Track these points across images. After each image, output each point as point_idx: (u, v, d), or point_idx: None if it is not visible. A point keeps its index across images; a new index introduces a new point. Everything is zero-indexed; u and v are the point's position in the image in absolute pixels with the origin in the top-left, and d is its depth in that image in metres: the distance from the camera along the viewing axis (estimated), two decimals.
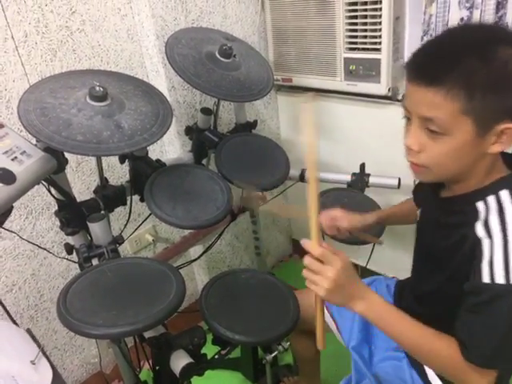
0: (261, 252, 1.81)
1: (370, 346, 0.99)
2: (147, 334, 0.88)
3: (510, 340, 0.68)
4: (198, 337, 0.87)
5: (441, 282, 0.82)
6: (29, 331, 0.76)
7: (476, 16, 1.17)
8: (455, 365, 0.70)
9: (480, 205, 0.72)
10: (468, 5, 1.19)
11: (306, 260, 0.73)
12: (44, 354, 0.70)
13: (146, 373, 1.51)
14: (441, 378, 0.85)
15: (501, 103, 0.64)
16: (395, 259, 1.74)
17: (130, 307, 0.77)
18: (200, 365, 0.85)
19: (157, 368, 0.97)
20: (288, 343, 1.40)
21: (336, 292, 0.72)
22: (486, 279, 0.67)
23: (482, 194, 0.72)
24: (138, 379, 1.31)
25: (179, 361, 0.82)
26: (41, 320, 1.47)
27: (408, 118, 0.73)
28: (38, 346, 0.72)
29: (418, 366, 0.89)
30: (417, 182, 1.08)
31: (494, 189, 0.72)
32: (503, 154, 0.76)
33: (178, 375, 0.82)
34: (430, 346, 0.73)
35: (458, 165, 0.71)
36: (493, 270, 0.66)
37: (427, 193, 0.88)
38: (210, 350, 1.65)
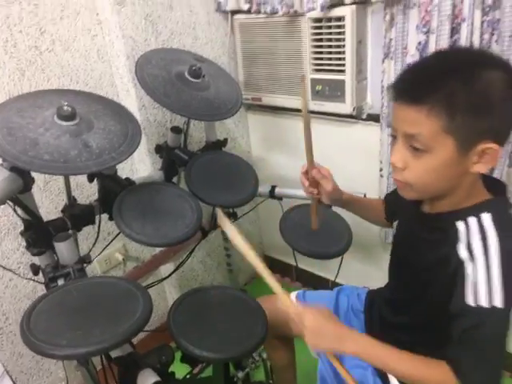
0: (233, 269, 1.81)
1: (341, 356, 1.01)
2: (114, 354, 0.87)
3: (498, 360, 0.71)
4: (166, 355, 0.87)
5: (417, 293, 0.85)
6: None
7: (432, 40, 1.24)
8: None
9: (460, 225, 0.74)
10: (425, 29, 1.26)
11: (294, 323, 0.81)
12: (8, 374, 0.69)
13: None
14: None
15: (481, 124, 0.67)
16: (363, 272, 1.79)
17: (96, 326, 0.76)
18: (167, 383, 0.85)
19: None
20: (259, 358, 1.41)
21: (319, 339, 0.77)
22: (470, 301, 0.69)
23: (463, 215, 0.75)
24: None
25: (146, 380, 0.82)
26: (6, 343, 1.42)
27: (394, 137, 0.76)
28: (2, 365, 0.70)
29: (381, 374, 0.91)
30: (388, 193, 1.12)
31: (475, 210, 0.74)
32: (484, 178, 0.79)
33: None
34: (426, 373, 0.74)
35: (440, 183, 0.74)
36: (476, 292, 0.69)
37: (407, 206, 0.90)
38: (181, 370, 1.64)
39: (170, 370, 0.89)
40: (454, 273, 0.73)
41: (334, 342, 0.77)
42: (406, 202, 0.90)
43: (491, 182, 0.81)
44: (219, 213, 0.87)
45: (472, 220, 0.74)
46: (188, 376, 1.65)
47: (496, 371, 0.72)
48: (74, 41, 1.36)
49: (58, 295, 0.84)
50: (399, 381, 0.88)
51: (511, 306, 0.69)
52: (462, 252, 0.72)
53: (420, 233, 0.85)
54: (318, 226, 1.09)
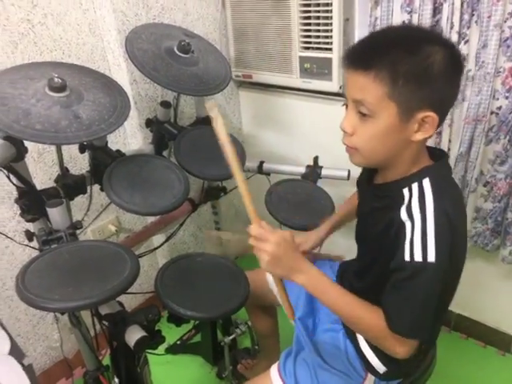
0: (222, 242, 1.87)
1: (314, 318, 1.08)
2: (104, 312, 0.93)
3: (428, 312, 0.77)
4: (153, 314, 0.93)
5: (373, 260, 0.91)
6: None
7: (415, 19, 1.27)
8: (381, 333, 0.79)
9: (405, 191, 0.80)
10: (408, 9, 1.29)
11: (250, 240, 0.81)
12: (3, 327, 0.75)
13: (108, 359, 1.56)
14: (371, 346, 0.95)
15: (421, 93, 0.73)
16: (346, 246, 1.85)
17: (86, 284, 0.82)
18: (154, 339, 0.91)
19: (114, 345, 1.02)
20: (246, 326, 1.49)
21: (275, 264, 0.80)
22: (407, 257, 0.75)
23: (407, 182, 0.81)
24: (100, 363, 1.36)
25: (134, 335, 0.88)
26: (3, 308, 1.49)
27: (346, 105, 0.81)
28: None
29: (351, 336, 0.98)
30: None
31: (418, 177, 0.80)
32: (428, 148, 0.85)
33: (132, 348, 0.88)
34: (361, 315, 0.82)
35: (385, 149, 0.79)
36: (412, 249, 0.75)
37: (364, 181, 0.97)
38: (171, 337, 1.72)
39: (157, 327, 0.96)
40: (396, 234, 0.78)
41: (288, 270, 0.82)
42: (363, 178, 0.97)
43: (433, 151, 0.87)
44: (210, 105, 0.80)
45: (414, 185, 0.80)
46: (178, 342, 1.73)
47: (423, 319, 0.77)
48: (65, 15, 1.38)
49: (50, 256, 0.90)
50: (368, 343, 0.95)
51: (443, 261, 0.74)
52: (403, 214, 0.78)
53: (372, 203, 0.91)
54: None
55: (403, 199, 0.80)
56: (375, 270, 0.91)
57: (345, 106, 0.82)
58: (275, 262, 0.80)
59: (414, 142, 0.78)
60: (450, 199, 0.79)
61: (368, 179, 0.94)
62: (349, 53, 0.78)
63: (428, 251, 0.74)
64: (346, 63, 0.77)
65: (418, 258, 0.74)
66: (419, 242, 0.74)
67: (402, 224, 0.77)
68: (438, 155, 0.86)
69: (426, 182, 0.79)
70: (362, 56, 0.76)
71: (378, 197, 0.90)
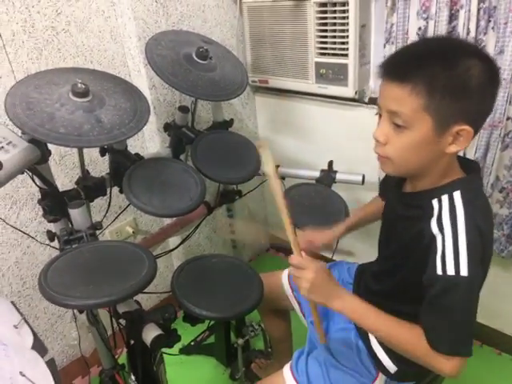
0: (237, 245, 1.90)
1: (329, 321, 1.09)
2: (122, 310, 0.96)
3: (466, 326, 0.77)
4: (169, 313, 0.95)
5: (397, 265, 0.92)
6: (13, 303, 0.84)
7: (431, 26, 1.28)
8: (423, 352, 0.78)
9: (435, 202, 0.81)
10: (425, 16, 1.30)
11: (290, 269, 0.86)
12: (26, 321, 0.78)
13: (123, 358, 1.59)
14: (382, 345, 0.95)
15: (457, 105, 0.73)
16: (360, 250, 1.85)
17: (106, 283, 0.85)
18: (170, 338, 0.93)
19: (131, 343, 1.05)
20: (259, 328, 1.50)
21: (314, 291, 0.83)
22: (439, 271, 0.75)
23: (438, 193, 0.81)
24: (116, 362, 1.39)
25: (150, 333, 0.91)
26: (23, 306, 1.53)
27: (380, 115, 0.82)
28: (21, 315, 0.79)
29: (363, 336, 0.99)
30: (382, 178, 1.19)
31: (448, 189, 0.81)
32: (460, 159, 0.86)
33: (149, 346, 0.90)
34: (400, 336, 0.81)
35: (417, 160, 0.80)
36: (444, 262, 0.75)
37: (392, 187, 0.97)
38: (185, 338, 1.74)
39: (172, 327, 0.98)
40: (427, 247, 0.79)
41: (326, 297, 0.84)
42: (391, 184, 0.97)
43: (466, 163, 0.87)
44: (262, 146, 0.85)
45: (445, 197, 0.80)
46: (192, 343, 1.76)
47: (463, 335, 0.77)
48: (88, 22, 1.43)
49: (71, 255, 0.93)
50: (379, 342, 0.96)
51: (476, 274, 0.74)
52: (434, 227, 0.78)
53: (400, 211, 0.91)
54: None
55: (433, 211, 0.80)
56: (397, 276, 0.92)
57: (378, 115, 0.83)
58: (314, 289, 0.83)
59: (447, 153, 0.79)
60: (480, 212, 0.79)
61: (396, 186, 0.94)
62: (385, 63, 0.80)
63: (460, 265, 0.74)
64: (382, 74, 0.79)
65: (451, 271, 0.74)
66: (451, 255, 0.75)
67: (433, 237, 0.78)
68: (471, 167, 0.86)
69: (457, 195, 0.79)
70: (398, 68, 0.76)
71: (406, 205, 0.90)
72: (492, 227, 0.85)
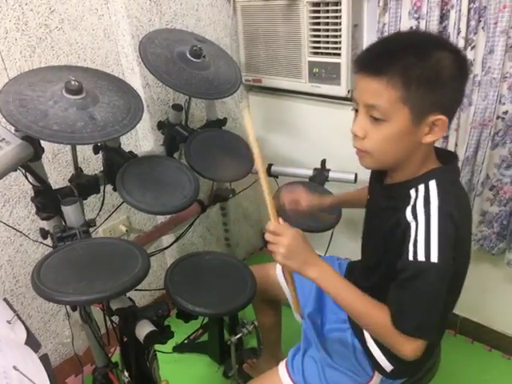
0: (231, 243, 1.90)
1: (322, 315, 1.10)
2: (115, 307, 0.96)
3: (433, 312, 0.78)
4: (162, 309, 0.95)
5: (379, 259, 0.93)
6: (5, 300, 0.84)
7: (422, 26, 1.29)
8: (387, 331, 0.80)
9: (412, 192, 0.83)
10: (416, 15, 1.31)
11: (266, 235, 0.85)
12: (19, 317, 0.78)
13: (117, 356, 1.59)
14: (378, 344, 0.96)
15: (432, 96, 0.76)
16: (352, 247, 1.87)
17: (99, 279, 0.85)
18: (163, 334, 0.94)
19: (124, 340, 1.05)
20: (252, 325, 1.51)
21: (290, 257, 0.83)
22: (410, 257, 0.77)
23: (415, 183, 0.83)
24: (109, 360, 1.39)
25: (144, 329, 0.91)
26: (16, 305, 1.53)
27: (356, 110, 0.83)
28: (14, 311, 0.79)
29: (359, 335, 1.00)
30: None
31: (425, 179, 0.83)
32: (437, 150, 0.88)
33: (142, 342, 0.90)
34: (369, 312, 0.83)
35: (396, 151, 0.82)
36: (416, 249, 0.77)
37: (374, 181, 0.99)
38: (179, 336, 1.75)
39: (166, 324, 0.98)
40: (402, 235, 0.80)
41: (301, 263, 0.84)
42: (373, 178, 0.99)
43: (443, 153, 0.89)
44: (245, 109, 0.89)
45: (421, 187, 0.82)
46: (185, 341, 1.76)
47: (427, 319, 0.78)
48: (81, 20, 1.43)
49: (65, 252, 0.93)
50: (375, 341, 0.97)
51: (446, 262, 0.76)
52: (408, 215, 0.80)
53: (381, 203, 0.93)
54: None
55: (410, 200, 0.82)
56: (381, 270, 0.93)
57: (354, 111, 0.84)
58: (290, 254, 0.83)
59: (423, 144, 0.81)
60: (455, 201, 0.80)
61: (377, 179, 0.96)
62: (360, 58, 0.81)
63: (431, 251, 0.75)
64: (358, 68, 0.80)
65: (421, 257, 0.76)
66: (422, 242, 0.76)
67: (408, 225, 0.79)
68: (448, 157, 0.88)
69: (433, 184, 0.81)
70: (374, 62, 0.78)
71: (386, 197, 0.92)
72: (468, 216, 0.87)
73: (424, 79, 0.74)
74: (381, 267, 0.93)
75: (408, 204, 0.82)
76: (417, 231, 0.78)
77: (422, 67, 0.74)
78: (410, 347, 0.79)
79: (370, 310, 0.83)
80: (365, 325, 0.87)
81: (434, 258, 0.75)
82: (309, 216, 1.24)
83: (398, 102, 0.76)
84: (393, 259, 0.84)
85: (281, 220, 0.86)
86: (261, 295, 1.24)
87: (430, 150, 0.85)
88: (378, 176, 0.97)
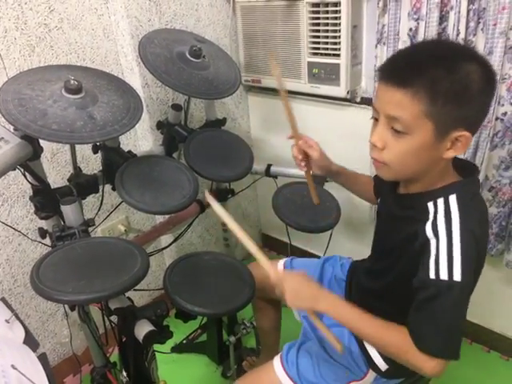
0: (229, 244, 1.90)
1: (322, 315, 1.10)
2: (114, 306, 0.96)
3: (456, 331, 0.77)
4: (161, 309, 0.95)
5: (389, 264, 0.93)
6: (3, 299, 0.84)
7: (422, 27, 1.29)
8: (409, 354, 0.78)
9: (430, 205, 0.81)
10: (416, 17, 1.31)
11: (276, 287, 0.90)
12: (17, 317, 0.78)
13: (115, 356, 1.59)
14: None
15: (458, 111, 0.73)
16: (352, 249, 1.87)
17: (98, 278, 0.85)
18: (162, 333, 0.94)
19: (122, 340, 1.05)
20: (251, 326, 1.51)
21: (298, 298, 0.86)
22: (432, 275, 0.76)
23: (433, 196, 0.81)
24: (108, 359, 1.39)
25: (143, 329, 0.90)
26: (14, 304, 1.53)
27: (375, 119, 0.81)
28: (12, 311, 0.79)
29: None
30: (374, 176, 1.20)
31: (444, 192, 0.81)
32: (455, 162, 0.86)
33: (141, 342, 0.90)
34: (386, 337, 0.82)
35: (416, 165, 0.80)
36: (438, 267, 0.75)
37: (386, 187, 0.97)
38: (177, 336, 1.74)
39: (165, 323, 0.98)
40: (421, 249, 0.79)
41: (310, 301, 0.86)
42: (385, 183, 0.96)
43: (462, 165, 0.87)
44: (206, 193, 0.99)
45: (440, 201, 0.80)
46: (184, 341, 1.76)
47: (450, 338, 0.77)
48: (81, 19, 1.43)
49: (64, 251, 0.93)
50: None
51: (469, 280, 0.75)
52: (428, 230, 0.79)
53: (395, 211, 0.92)
54: (318, 200, 1.13)
55: (428, 214, 0.80)
56: (388, 276, 0.93)
57: (373, 119, 0.82)
58: (296, 294, 0.85)
59: (444, 159, 0.79)
60: (476, 217, 0.79)
61: (391, 187, 0.95)
62: (385, 67, 0.79)
63: (454, 270, 0.74)
64: (382, 77, 0.78)
65: (444, 276, 0.74)
66: (445, 260, 0.75)
67: (427, 240, 0.78)
68: (468, 169, 0.86)
69: (453, 199, 0.79)
70: (399, 72, 0.75)
71: (400, 206, 0.91)
72: (487, 232, 0.86)
73: (452, 94, 0.71)
74: (390, 273, 0.93)
75: (427, 218, 0.80)
76: (438, 249, 0.76)
77: (450, 81, 0.71)
78: (433, 366, 0.77)
79: (386, 334, 0.82)
80: (384, 350, 0.86)
81: (458, 277, 0.74)
82: (310, 182, 1.20)
83: (422, 116, 0.73)
84: (404, 267, 0.84)
85: (280, 265, 0.93)
86: (260, 294, 1.24)
87: (448, 163, 0.83)
88: (391, 183, 0.94)
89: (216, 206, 0.95)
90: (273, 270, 0.90)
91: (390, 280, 0.93)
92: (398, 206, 0.91)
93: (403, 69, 0.75)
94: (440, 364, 0.77)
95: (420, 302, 0.78)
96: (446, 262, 0.75)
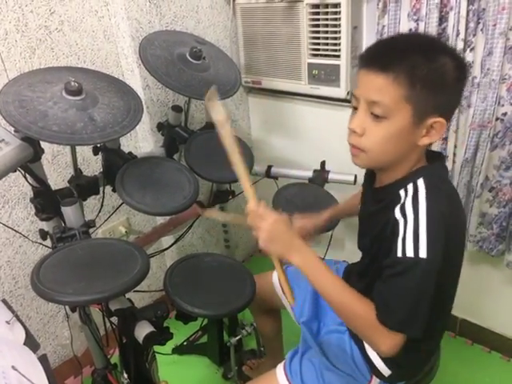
0: (230, 245, 1.90)
1: (319, 321, 1.10)
2: (114, 307, 0.96)
3: (420, 308, 0.77)
4: (162, 310, 0.95)
5: (372, 260, 0.93)
6: (4, 301, 0.84)
7: (421, 28, 1.29)
8: (368, 324, 0.79)
9: (402, 192, 0.82)
10: (415, 17, 1.31)
11: (248, 218, 0.84)
12: (18, 318, 0.78)
13: (116, 358, 1.59)
14: None
15: (435, 98, 0.76)
16: (351, 248, 1.87)
17: (98, 279, 0.85)
18: (162, 335, 0.94)
19: (123, 341, 1.05)
20: (252, 327, 1.51)
21: (272, 241, 0.82)
22: (399, 253, 0.76)
23: (404, 183, 0.83)
24: (108, 361, 1.39)
25: (143, 330, 0.91)
26: (15, 306, 1.53)
27: (354, 108, 0.83)
28: (13, 312, 0.79)
29: (357, 338, 0.99)
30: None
31: (413, 178, 0.82)
32: (428, 151, 0.87)
33: (141, 343, 0.90)
34: (350, 302, 0.82)
35: (392, 151, 0.81)
36: (404, 245, 0.76)
37: (366, 186, 0.99)
38: (178, 338, 1.74)
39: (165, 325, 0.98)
40: (391, 233, 0.80)
41: (284, 248, 0.83)
42: (366, 184, 0.99)
43: (431, 154, 0.89)
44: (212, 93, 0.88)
45: (410, 186, 0.81)
46: (185, 343, 1.76)
47: (413, 314, 0.77)
48: (81, 21, 1.43)
49: (64, 252, 0.93)
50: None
51: (435, 257, 0.75)
52: (397, 212, 0.80)
53: (371, 206, 0.93)
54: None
55: (400, 200, 0.81)
56: (374, 270, 0.92)
57: (353, 109, 0.84)
58: (272, 238, 0.82)
59: (418, 146, 0.81)
60: (444, 198, 0.80)
61: (368, 183, 0.97)
62: (367, 54, 0.81)
63: (420, 247, 0.75)
64: (364, 63, 0.80)
65: (410, 253, 0.75)
66: (411, 238, 0.76)
67: (396, 222, 0.79)
68: (435, 157, 0.88)
69: (420, 182, 0.81)
70: (381, 57, 0.78)
71: (376, 200, 0.92)
72: (458, 212, 0.86)
73: (429, 80, 0.75)
74: (374, 268, 0.92)
75: (398, 203, 0.81)
76: (405, 228, 0.77)
77: (428, 68, 0.75)
78: (389, 342, 0.78)
79: (352, 301, 0.82)
80: (345, 317, 0.85)
81: (423, 254, 0.74)
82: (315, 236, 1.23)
83: (401, 100, 0.76)
84: (381, 259, 0.83)
85: (262, 202, 0.84)
86: (260, 305, 1.25)
87: (422, 152, 0.85)
88: (369, 180, 0.97)
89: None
90: (254, 201, 0.84)
91: (374, 275, 0.92)
92: (373, 201, 0.92)
93: (385, 54, 0.78)
94: (396, 339, 0.77)
95: (387, 276, 0.79)
96: (411, 239, 0.76)
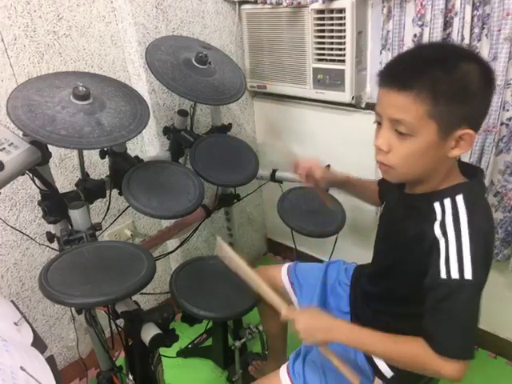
0: (235, 248, 1.90)
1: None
2: (121, 310, 0.97)
3: (471, 330, 0.77)
4: (168, 312, 0.96)
5: (394, 266, 0.93)
6: (13, 302, 0.85)
7: (426, 33, 1.30)
8: (426, 359, 0.78)
9: (437, 205, 0.81)
10: (420, 23, 1.32)
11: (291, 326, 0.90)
12: (26, 319, 0.79)
13: (121, 360, 1.59)
14: None
15: (460, 110, 0.74)
16: (356, 252, 1.87)
17: (105, 282, 0.86)
18: (169, 337, 0.94)
19: (129, 343, 1.06)
20: (256, 330, 1.51)
21: (313, 335, 0.87)
22: (443, 275, 0.76)
23: (439, 196, 0.82)
24: (114, 363, 1.40)
25: (149, 332, 0.91)
26: (22, 308, 1.54)
27: (378, 123, 0.82)
28: (21, 313, 0.80)
29: None
30: (379, 180, 1.20)
31: (450, 193, 0.81)
32: (462, 164, 0.87)
33: (147, 345, 0.91)
34: (401, 351, 0.82)
35: (422, 166, 0.80)
36: (449, 266, 0.75)
37: (393, 188, 0.97)
38: (183, 341, 1.75)
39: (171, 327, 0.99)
40: (429, 250, 0.79)
41: (324, 335, 0.86)
42: (392, 185, 0.97)
43: (468, 168, 0.88)
44: (219, 240, 1.03)
45: (447, 201, 0.80)
46: (189, 346, 1.76)
47: (467, 339, 0.77)
48: (89, 27, 1.45)
49: (71, 255, 0.94)
50: None
51: (480, 277, 0.75)
52: (437, 230, 0.79)
53: (401, 212, 0.92)
54: (331, 201, 1.14)
55: (435, 214, 0.81)
56: (392, 278, 0.93)
57: (376, 123, 0.83)
58: (312, 333, 0.86)
59: (449, 158, 0.80)
60: (483, 216, 0.80)
61: (398, 187, 0.95)
62: (385, 71, 0.80)
63: (465, 268, 0.74)
64: (382, 83, 0.79)
65: (455, 275, 0.75)
66: (455, 259, 0.75)
67: (436, 241, 0.79)
68: (474, 172, 0.87)
69: (460, 199, 0.80)
70: (399, 75, 0.76)
71: (406, 207, 0.91)
72: (493, 231, 0.87)
73: (452, 93, 0.73)
74: (393, 273, 0.93)
75: (434, 219, 0.80)
76: (448, 248, 0.76)
77: (450, 81, 0.73)
78: (456, 369, 0.76)
79: (402, 346, 0.82)
80: (403, 364, 0.85)
81: (469, 275, 0.74)
82: (318, 189, 1.21)
83: (425, 116, 0.74)
84: (409, 267, 0.84)
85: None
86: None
87: (454, 163, 0.84)
88: (398, 184, 0.94)
89: (230, 252, 1.01)
90: (285, 310, 0.91)
91: (393, 282, 0.93)
92: (403, 207, 0.92)
93: (403, 73, 0.77)
94: (460, 365, 0.76)
95: (433, 303, 0.78)
96: (456, 261, 0.75)
